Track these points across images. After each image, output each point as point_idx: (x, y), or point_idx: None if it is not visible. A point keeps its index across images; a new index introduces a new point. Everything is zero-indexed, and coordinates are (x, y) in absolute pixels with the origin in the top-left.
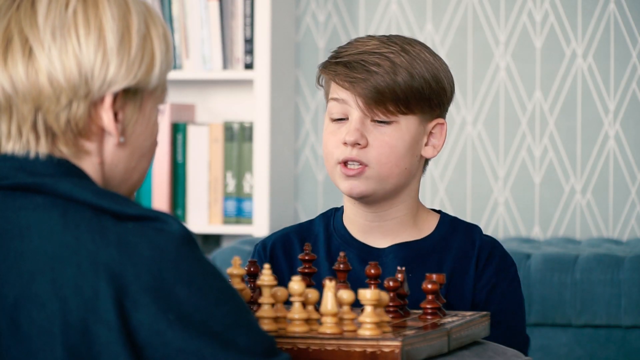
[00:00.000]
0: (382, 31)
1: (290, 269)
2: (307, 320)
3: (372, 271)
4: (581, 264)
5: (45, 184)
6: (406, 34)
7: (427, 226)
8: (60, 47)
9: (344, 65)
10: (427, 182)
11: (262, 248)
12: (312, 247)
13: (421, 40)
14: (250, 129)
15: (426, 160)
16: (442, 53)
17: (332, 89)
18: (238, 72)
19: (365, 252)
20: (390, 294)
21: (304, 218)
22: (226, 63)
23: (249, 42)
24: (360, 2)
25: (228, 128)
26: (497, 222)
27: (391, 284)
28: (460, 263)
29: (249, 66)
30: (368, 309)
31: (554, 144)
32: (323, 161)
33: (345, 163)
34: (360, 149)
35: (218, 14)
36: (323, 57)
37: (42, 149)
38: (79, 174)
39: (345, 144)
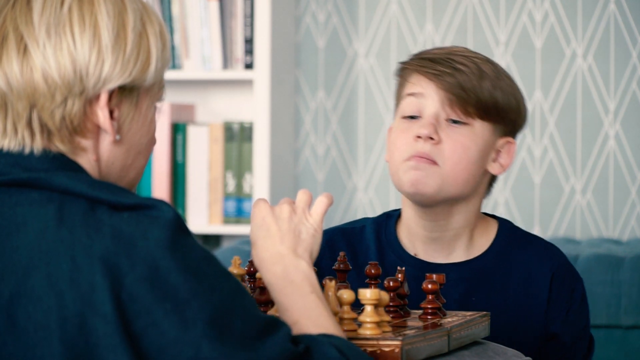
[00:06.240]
0: (382, 31)
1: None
2: None
3: (372, 271)
4: (581, 264)
5: (40, 179)
6: (406, 34)
7: (485, 238)
8: (55, 45)
9: (430, 59)
10: None
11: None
12: (363, 258)
13: (421, 40)
14: (250, 129)
15: (490, 183)
16: None
17: (410, 85)
18: (238, 72)
19: (422, 269)
20: (390, 294)
21: None
22: (226, 63)
23: (249, 42)
24: (360, 2)
25: (228, 128)
26: None
27: (391, 284)
28: (525, 285)
29: (249, 66)
30: (368, 308)
31: (554, 144)
32: (323, 161)
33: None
34: (433, 144)
35: (218, 14)
36: (323, 57)
37: (38, 145)
38: (75, 168)
39: (418, 137)
